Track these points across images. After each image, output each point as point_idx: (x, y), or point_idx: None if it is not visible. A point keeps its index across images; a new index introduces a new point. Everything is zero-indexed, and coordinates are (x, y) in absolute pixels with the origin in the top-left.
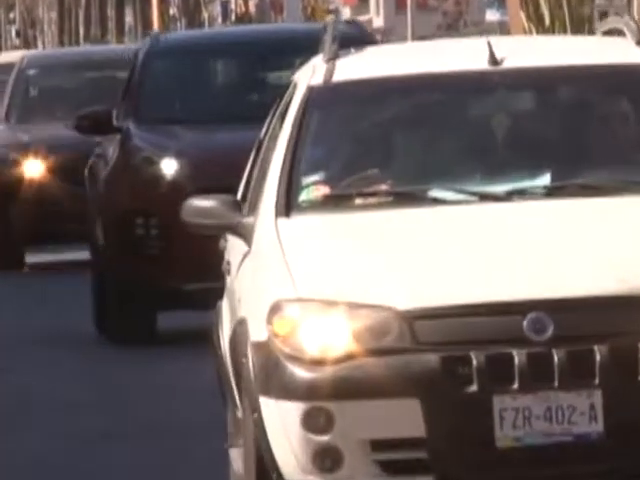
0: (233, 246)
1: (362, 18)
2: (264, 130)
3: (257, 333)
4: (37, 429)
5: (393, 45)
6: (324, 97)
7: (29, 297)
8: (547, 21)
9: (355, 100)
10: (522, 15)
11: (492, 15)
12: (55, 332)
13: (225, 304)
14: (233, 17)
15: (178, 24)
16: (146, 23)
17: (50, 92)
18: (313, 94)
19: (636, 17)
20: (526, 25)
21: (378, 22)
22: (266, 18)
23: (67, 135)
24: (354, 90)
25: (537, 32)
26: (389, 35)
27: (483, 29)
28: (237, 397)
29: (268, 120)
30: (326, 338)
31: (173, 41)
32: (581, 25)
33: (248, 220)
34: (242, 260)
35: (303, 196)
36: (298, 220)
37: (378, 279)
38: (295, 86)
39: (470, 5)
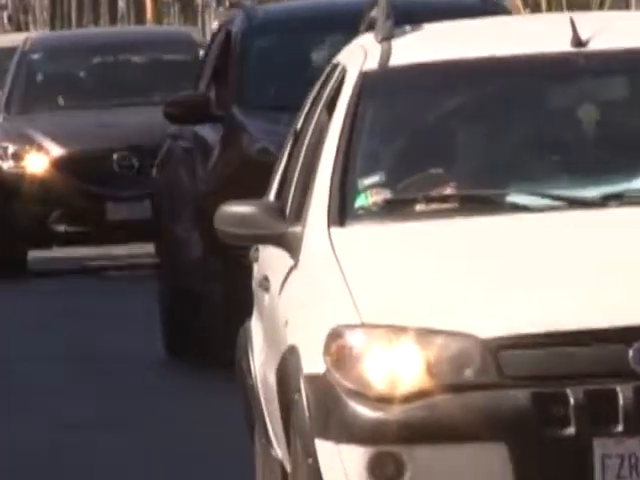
0: (271, 258)
1: None
2: (301, 121)
3: (312, 364)
4: (36, 418)
5: (458, 22)
6: (381, 84)
7: (32, 306)
8: (544, 5)
9: (417, 88)
10: (519, 1)
11: None
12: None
13: (256, 325)
14: (227, 3)
15: (171, 9)
16: (138, 8)
17: (57, 78)
18: (367, 81)
19: (633, 4)
20: (523, 11)
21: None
22: (259, 4)
23: (74, 126)
24: (415, 76)
25: None
26: None
27: None
28: (272, 433)
29: (306, 109)
30: (395, 371)
31: (272, 15)
32: (578, 9)
33: (294, 229)
34: (287, 276)
35: (360, 201)
36: (355, 230)
37: (456, 301)
38: (344, 71)
39: None
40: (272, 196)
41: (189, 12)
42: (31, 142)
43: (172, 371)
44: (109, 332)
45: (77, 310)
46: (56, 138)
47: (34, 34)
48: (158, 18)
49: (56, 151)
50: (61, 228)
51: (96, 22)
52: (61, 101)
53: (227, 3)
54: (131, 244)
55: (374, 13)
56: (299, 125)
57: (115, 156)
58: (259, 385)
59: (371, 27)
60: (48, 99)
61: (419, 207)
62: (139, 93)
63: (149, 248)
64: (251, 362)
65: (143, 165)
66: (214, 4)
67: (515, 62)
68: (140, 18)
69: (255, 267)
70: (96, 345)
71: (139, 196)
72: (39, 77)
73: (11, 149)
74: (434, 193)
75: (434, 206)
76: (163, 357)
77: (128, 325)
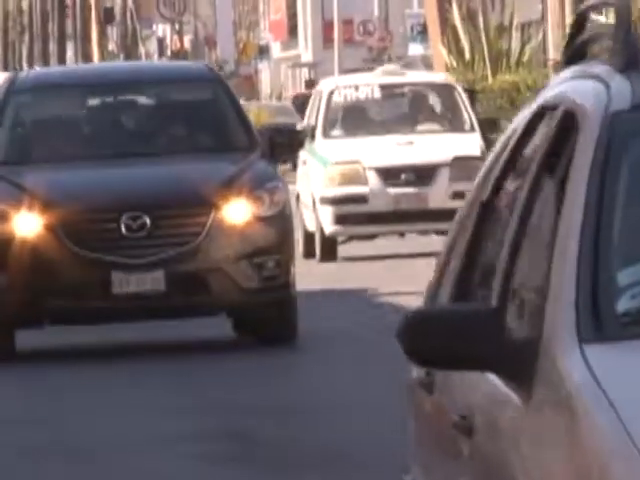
0: (471, 389)
1: (291, 53)
2: (489, 186)
3: None
4: None
5: None
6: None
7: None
8: (467, 55)
9: None
10: (443, 49)
11: (415, 49)
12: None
13: None
14: (169, 52)
15: (116, 59)
16: (86, 57)
17: (50, 123)
18: (620, 126)
19: (550, 54)
20: (447, 59)
21: (307, 56)
22: (200, 54)
23: (72, 181)
24: None
25: (458, 65)
26: (317, 68)
27: (407, 62)
28: None
29: (496, 171)
30: None
31: None
32: (499, 58)
33: (522, 347)
34: (512, 420)
35: (624, 304)
36: (622, 348)
37: None
38: (570, 115)
39: (394, 40)
40: (448, 290)
41: (133, 61)
42: (19, 200)
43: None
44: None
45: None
46: (50, 195)
47: (21, 72)
48: None
49: (50, 211)
50: (56, 303)
51: None
52: (56, 151)
53: (169, 53)
54: (141, 323)
55: (598, 32)
56: (486, 193)
57: (123, 217)
58: None
59: (581, 55)
60: (40, 148)
61: None
62: (151, 141)
63: (163, 328)
64: None
65: (156, 227)
66: (156, 55)
67: None
68: None
69: (426, 399)
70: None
71: (151, 265)
72: (28, 122)
73: None
74: None
75: None
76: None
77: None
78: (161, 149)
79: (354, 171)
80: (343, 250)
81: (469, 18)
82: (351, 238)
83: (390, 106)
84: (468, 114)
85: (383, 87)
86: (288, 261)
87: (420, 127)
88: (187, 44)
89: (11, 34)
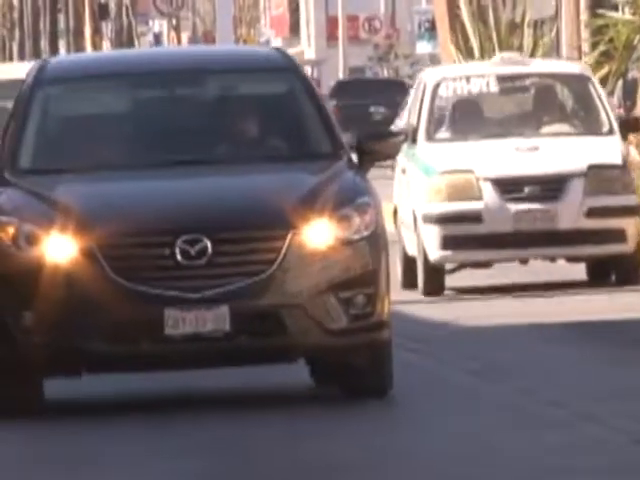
0: None
1: (293, 50)
2: None
3: None
4: None
5: None
6: None
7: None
8: (476, 53)
9: None
10: (452, 47)
11: (423, 47)
12: None
13: None
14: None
15: None
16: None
17: (87, 122)
18: None
19: (564, 53)
20: (456, 57)
21: (310, 54)
22: None
23: (116, 195)
24: None
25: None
26: (321, 66)
27: (414, 61)
28: None
29: None
30: None
31: None
32: None
33: None
34: None
35: None
36: None
37: None
38: None
39: (401, 37)
40: None
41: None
42: (49, 218)
43: None
44: None
45: None
46: (87, 212)
47: (51, 59)
48: None
49: (87, 232)
50: (94, 347)
51: None
52: (95, 157)
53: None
54: (199, 371)
55: None
56: None
57: (178, 241)
58: None
59: None
60: (75, 153)
61: None
62: (213, 146)
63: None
64: None
65: (219, 254)
66: None
67: None
68: None
69: None
70: None
71: (213, 300)
72: (60, 120)
73: (23, 229)
74: None
75: None
76: None
77: None
78: (225, 156)
79: (466, 183)
80: (452, 280)
81: (479, 15)
82: (462, 265)
83: (510, 102)
84: (606, 113)
85: (501, 79)
86: (382, 295)
87: (547, 129)
88: (185, 40)
89: (1, 30)
